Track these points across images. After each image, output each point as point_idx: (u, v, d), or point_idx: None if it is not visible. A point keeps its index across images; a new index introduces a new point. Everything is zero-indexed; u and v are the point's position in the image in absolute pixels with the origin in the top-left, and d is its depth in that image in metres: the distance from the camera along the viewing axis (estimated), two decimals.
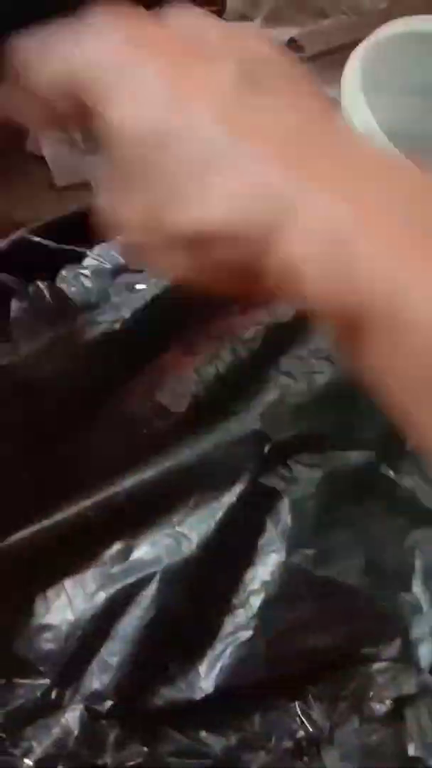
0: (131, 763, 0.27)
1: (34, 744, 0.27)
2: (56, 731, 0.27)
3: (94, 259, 0.38)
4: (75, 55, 0.22)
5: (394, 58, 0.81)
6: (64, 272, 0.38)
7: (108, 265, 0.37)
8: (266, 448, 0.31)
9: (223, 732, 0.28)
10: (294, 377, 0.32)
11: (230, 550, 0.30)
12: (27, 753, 0.27)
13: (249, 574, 0.30)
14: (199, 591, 0.29)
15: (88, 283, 0.36)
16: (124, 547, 0.30)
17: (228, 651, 0.28)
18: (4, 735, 0.27)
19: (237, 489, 0.30)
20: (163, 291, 0.33)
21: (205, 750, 0.28)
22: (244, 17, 1.24)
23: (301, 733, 0.28)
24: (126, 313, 0.33)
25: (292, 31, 1.15)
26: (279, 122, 0.20)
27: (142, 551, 0.30)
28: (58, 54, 0.22)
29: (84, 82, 0.21)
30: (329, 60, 1.18)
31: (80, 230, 0.33)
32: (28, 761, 0.26)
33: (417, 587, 0.30)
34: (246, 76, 0.21)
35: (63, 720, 0.27)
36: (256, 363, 0.33)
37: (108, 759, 0.26)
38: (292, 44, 1.16)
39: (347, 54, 0.76)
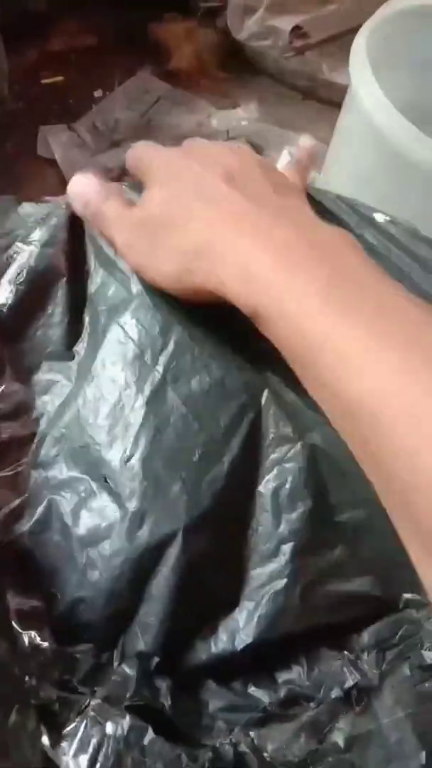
0: (184, 715, 0.27)
1: (98, 690, 0.27)
2: (116, 679, 0.27)
3: None
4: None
5: (402, 35, 0.80)
6: None
7: None
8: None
9: (271, 685, 0.28)
10: None
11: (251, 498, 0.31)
12: (92, 694, 0.27)
13: (277, 523, 0.30)
14: (226, 544, 0.29)
15: None
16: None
17: (264, 600, 0.28)
18: (70, 677, 0.27)
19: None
20: None
21: (254, 703, 0.28)
22: (247, 10, 1.25)
23: (350, 682, 0.27)
24: None
25: (296, 19, 1.16)
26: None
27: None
28: None
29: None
30: (335, 45, 1.18)
31: None
32: (95, 700, 0.26)
33: None
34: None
35: (120, 671, 0.27)
36: None
37: (165, 703, 0.27)
38: (297, 31, 1.17)
39: (352, 39, 0.76)
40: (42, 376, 0.42)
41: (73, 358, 0.43)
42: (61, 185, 1.09)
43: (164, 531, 0.29)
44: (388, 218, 0.49)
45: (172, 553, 0.28)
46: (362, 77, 0.68)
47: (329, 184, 0.88)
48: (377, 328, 0.24)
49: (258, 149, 1.10)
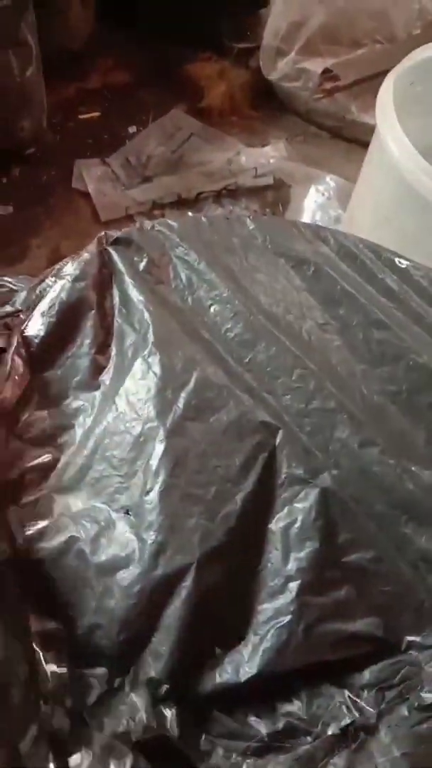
0: (189, 741, 0.28)
1: (106, 720, 0.29)
2: (124, 709, 0.29)
3: None
4: None
5: (429, 81, 0.83)
6: None
7: None
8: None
9: (271, 716, 0.29)
10: None
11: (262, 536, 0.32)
12: (101, 727, 0.28)
13: (285, 561, 0.31)
14: (236, 578, 0.30)
15: None
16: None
17: (269, 634, 0.30)
18: (81, 711, 0.28)
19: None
20: None
21: (253, 733, 0.29)
22: (279, 52, 1.29)
23: (348, 720, 0.28)
24: None
25: (326, 62, 1.19)
26: None
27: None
28: None
29: None
30: (365, 87, 1.21)
31: None
32: (103, 734, 0.28)
33: None
34: None
35: (129, 700, 0.29)
36: None
37: (172, 732, 0.28)
38: (327, 74, 1.20)
39: (381, 81, 0.79)
40: (69, 404, 0.44)
41: (99, 387, 0.45)
42: (93, 216, 1.13)
43: (179, 564, 0.31)
44: (409, 263, 0.50)
45: (186, 585, 0.30)
46: (387, 119, 0.70)
47: (353, 223, 0.90)
48: None
49: (284, 186, 1.12)
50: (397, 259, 0.50)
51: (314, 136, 1.24)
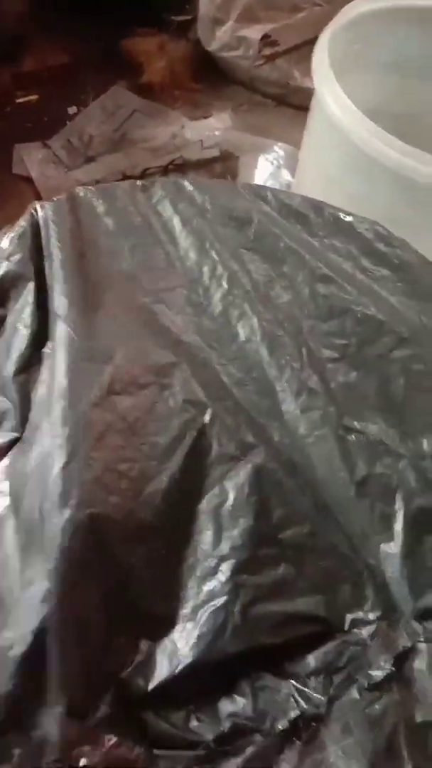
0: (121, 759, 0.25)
1: (15, 750, 0.25)
2: (36, 734, 0.25)
3: None
4: None
5: (364, 38, 0.79)
6: None
7: None
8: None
9: (214, 719, 0.26)
10: None
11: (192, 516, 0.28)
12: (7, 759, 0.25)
13: (217, 541, 0.28)
14: (161, 563, 0.27)
15: None
16: None
17: (204, 619, 0.26)
18: None
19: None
20: None
21: (197, 739, 0.26)
22: (216, 22, 1.24)
23: (296, 712, 0.25)
24: None
25: (265, 28, 1.15)
26: None
27: None
28: None
29: None
30: (306, 52, 1.17)
31: None
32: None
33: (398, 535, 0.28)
34: None
35: (36, 735, 0.25)
36: None
37: (96, 759, 0.24)
38: (266, 40, 1.16)
39: None
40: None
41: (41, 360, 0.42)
42: (37, 200, 1.08)
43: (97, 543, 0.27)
44: (353, 217, 0.47)
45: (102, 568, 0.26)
46: (324, 79, 0.67)
47: (302, 188, 0.87)
48: None
49: (232, 157, 1.09)
50: (340, 214, 0.47)
51: (259, 104, 1.20)
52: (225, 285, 0.39)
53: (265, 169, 1.07)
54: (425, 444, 0.33)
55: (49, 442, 0.30)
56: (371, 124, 0.62)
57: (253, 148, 1.07)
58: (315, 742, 0.25)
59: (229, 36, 1.16)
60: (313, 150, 0.80)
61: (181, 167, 1.06)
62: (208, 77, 1.22)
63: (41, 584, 0.26)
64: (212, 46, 1.19)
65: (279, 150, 1.07)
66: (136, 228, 0.42)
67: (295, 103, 1.15)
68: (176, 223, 0.42)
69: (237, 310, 0.38)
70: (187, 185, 0.45)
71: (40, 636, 0.25)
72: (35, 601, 0.26)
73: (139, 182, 0.47)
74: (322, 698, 0.26)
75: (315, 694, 0.26)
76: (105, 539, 0.27)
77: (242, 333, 0.38)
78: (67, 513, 0.27)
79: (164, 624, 0.27)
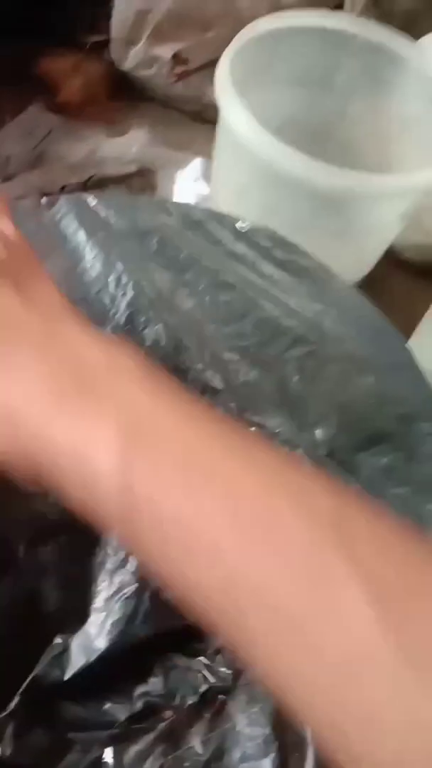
0: (34, 748, 0.26)
1: None
2: None
3: None
4: None
5: (268, 53, 0.84)
6: None
7: None
8: None
9: (127, 700, 0.28)
10: None
11: None
12: None
13: None
14: (71, 557, 0.29)
15: None
16: None
17: (116, 607, 0.28)
18: None
19: None
20: None
21: (111, 720, 0.27)
22: (129, 42, 1.27)
23: (204, 687, 0.27)
24: None
25: (176, 47, 1.19)
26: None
27: None
28: None
29: None
30: (215, 69, 1.21)
31: None
32: None
33: None
34: None
35: None
36: None
37: (8, 750, 0.25)
38: (177, 58, 1.20)
39: None
40: None
41: None
42: None
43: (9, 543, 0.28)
44: (250, 226, 0.50)
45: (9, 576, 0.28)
46: (227, 97, 0.70)
47: (216, 199, 0.90)
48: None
49: (150, 172, 1.11)
50: (238, 224, 0.50)
51: (175, 121, 1.23)
52: (130, 293, 0.41)
53: (184, 183, 1.10)
54: (318, 434, 0.35)
55: None
56: (271, 136, 0.66)
57: (170, 162, 1.10)
58: (222, 713, 0.27)
59: (142, 55, 1.19)
60: (223, 164, 0.83)
61: (99, 183, 1.07)
62: (125, 95, 1.24)
63: None
64: (126, 66, 1.22)
65: (196, 164, 1.10)
66: (40, 243, 0.43)
67: (210, 118, 1.19)
68: (81, 236, 0.44)
69: (143, 317, 0.40)
70: (91, 200, 0.47)
71: None
72: None
73: (43, 199, 0.49)
74: (229, 672, 0.27)
75: (222, 669, 0.27)
76: (11, 541, 0.28)
77: (148, 338, 0.40)
78: None
79: (77, 618, 0.28)
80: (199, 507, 0.20)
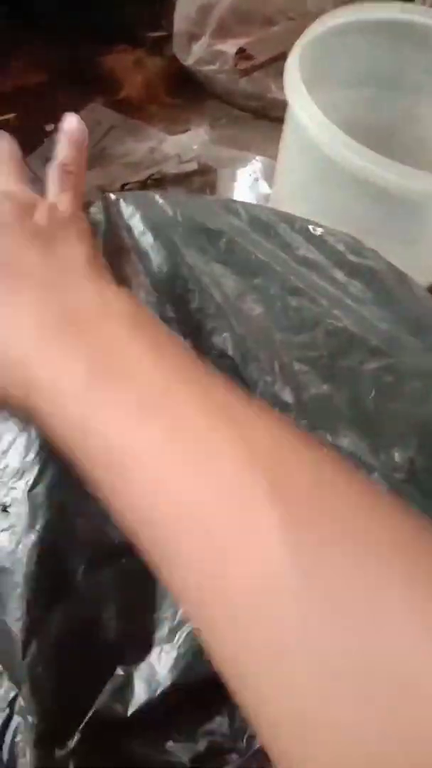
0: None
1: None
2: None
3: None
4: None
5: (335, 49, 0.81)
6: None
7: None
8: None
9: (191, 738, 0.26)
10: None
11: None
12: None
13: None
14: (131, 583, 0.27)
15: None
16: None
17: (182, 639, 0.26)
18: None
19: None
20: None
21: (173, 760, 0.25)
22: (192, 37, 1.26)
23: None
24: None
25: (240, 42, 1.17)
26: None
27: None
28: None
29: None
30: (281, 64, 1.18)
31: None
32: None
33: None
34: None
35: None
36: None
37: None
38: (242, 54, 1.18)
39: None
40: None
41: None
42: None
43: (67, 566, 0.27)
44: (323, 229, 0.48)
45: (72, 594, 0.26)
46: (296, 93, 0.67)
47: (279, 201, 0.87)
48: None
49: (210, 170, 1.09)
50: (311, 227, 0.47)
51: (237, 118, 1.21)
52: (197, 299, 0.39)
53: (244, 182, 1.08)
54: (396, 456, 0.33)
55: (19, 460, 0.30)
56: (343, 135, 0.63)
57: (231, 161, 1.08)
58: None
59: (204, 50, 1.17)
60: (288, 163, 0.81)
61: (159, 182, 1.06)
62: (186, 92, 1.23)
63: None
64: (188, 61, 1.20)
65: (257, 163, 1.07)
66: (107, 241, 0.42)
67: (272, 115, 1.16)
68: (148, 236, 0.42)
69: (210, 324, 0.39)
70: (158, 199, 0.45)
71: None
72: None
73: (112, 195, 0.48)
74: None
75: None
76: (70, 563, 0.27)
77: (216, 347, 0.38)
78: (33, 536, 0.27)
79: (140, 648, 0.27)
80: (145, 438, 0.21)
